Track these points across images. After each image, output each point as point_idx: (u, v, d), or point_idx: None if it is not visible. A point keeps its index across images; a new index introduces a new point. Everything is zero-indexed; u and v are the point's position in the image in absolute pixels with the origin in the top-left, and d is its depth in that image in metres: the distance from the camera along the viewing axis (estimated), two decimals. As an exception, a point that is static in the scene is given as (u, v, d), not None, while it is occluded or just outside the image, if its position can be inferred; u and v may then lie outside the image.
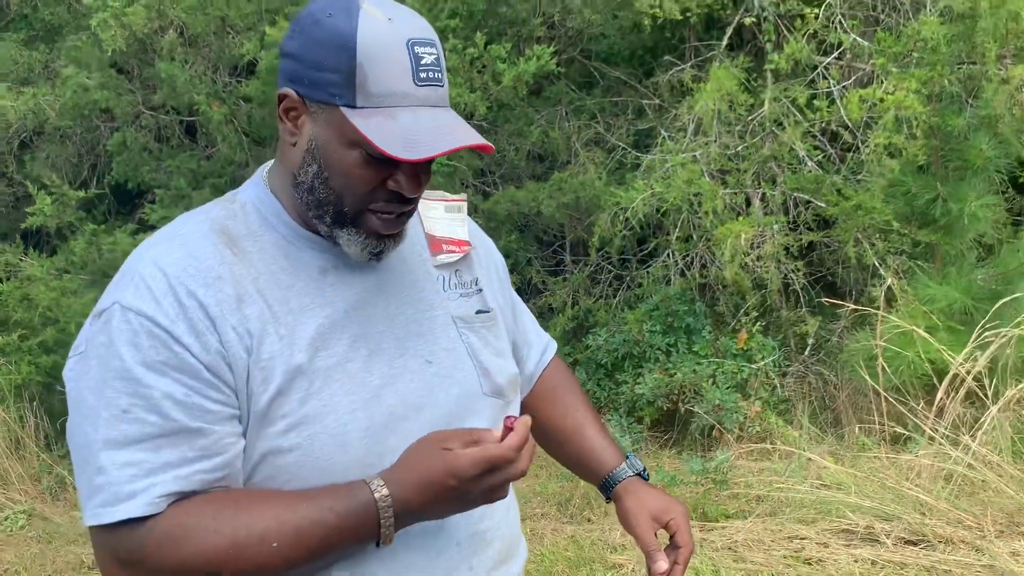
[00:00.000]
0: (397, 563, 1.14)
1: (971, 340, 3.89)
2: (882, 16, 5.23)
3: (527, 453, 1.10)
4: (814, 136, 5.13)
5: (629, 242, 5.41)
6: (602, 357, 5.20)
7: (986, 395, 3.82)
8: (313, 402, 1.10)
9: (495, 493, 1.10)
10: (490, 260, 1.38)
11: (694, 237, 5.16)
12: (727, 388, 4.74)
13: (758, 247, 4.91)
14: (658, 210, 5.01)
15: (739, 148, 5.10)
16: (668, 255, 5.34)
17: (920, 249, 4.77)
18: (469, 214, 1.36)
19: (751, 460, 4.48)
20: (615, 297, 5.66)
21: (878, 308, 4.27)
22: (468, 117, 4.87)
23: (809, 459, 4.14)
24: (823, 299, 5.02)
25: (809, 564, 3.44)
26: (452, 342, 1.23)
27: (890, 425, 4.13)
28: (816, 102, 4.91)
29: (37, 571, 4.12)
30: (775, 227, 4.94)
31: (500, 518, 1.26)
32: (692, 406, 4.77)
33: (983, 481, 3.65)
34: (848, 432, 4.60)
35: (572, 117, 5.85)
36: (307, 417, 1.09)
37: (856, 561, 3.38)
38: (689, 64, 5.47)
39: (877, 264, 4.74)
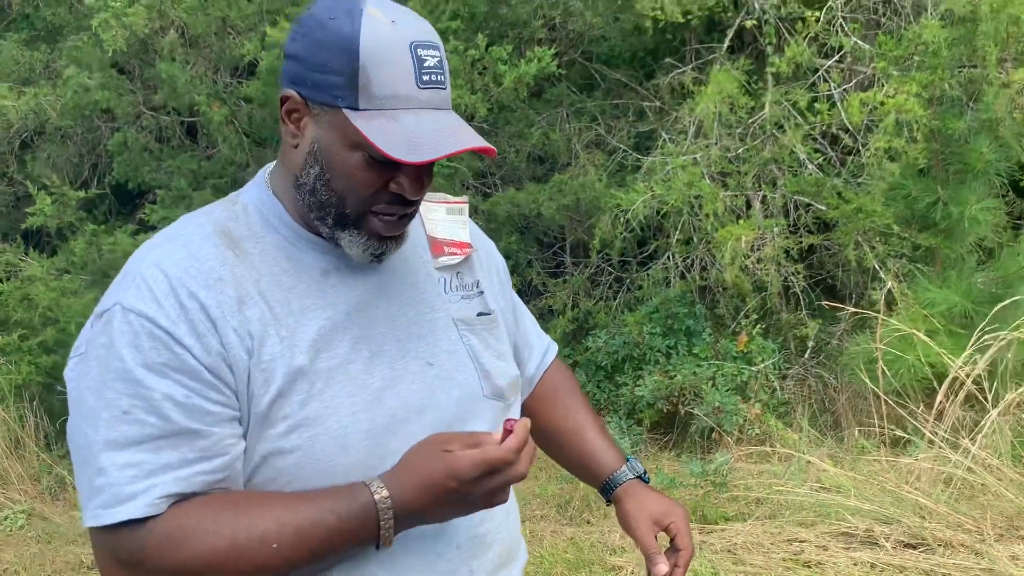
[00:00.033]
0: (397, 565, 1.14)
1: (970, 343, 3.89)
2: (883, 19, 5.23)
3: (527, 456, 1.10)
4: (815, 139, 5.13)
5: (629, 244, 5.41)
6: (602, 359, 5.20)
7: (986, 398, 3.81)
8: (314, 404, 1.10)
9: (495, 496, 1.10)
10: (491, 262, 1.38)
11: (694, 239, 5.16)
12: (727, 390, 4.74)
13: (758, 250, 4.91)
14: (658, 212, 5.01)
15: (740, 151, 5.11)
16: (668, 257, 5.34)
17: (920, 252, 4.77)
18: (469, 215, 1.36)
19: (750, 463, 4.48)
20: (615, 299, 5.67)
21: (878, 311, 4.27)
22: (469, 119, 4.87)
23: (809, 462, 4.14)
24: (823, 302, 5.02)
25: (808, 567, 3.44)
26: (453, 344, 1.23)
27: (890, 428, 4.13)
28: (817, 105, 4.91)
29: (36, 571, 4.12)
30: (775, 230, 4.94)
31: (500, 521, 1.26)
32: (692, 408, 4.77)
33: (983, 485, 3.65)
34: (848, 435, 4.60)
35: (573, 119, 5.85)
36: (308, 419, 1.09)
37: (855, 564, 3.38)
38: (690, 67, 5.47)
39: (877, 267, 4.74)
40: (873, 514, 3.62)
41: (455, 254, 1.29)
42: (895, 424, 4.15)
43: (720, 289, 5.21)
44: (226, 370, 1.07)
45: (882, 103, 4.51)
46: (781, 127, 5.06)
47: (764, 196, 5.11)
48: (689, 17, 4.95)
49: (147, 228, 5.56)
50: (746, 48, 5.54)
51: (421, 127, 1.06)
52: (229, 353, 1.07)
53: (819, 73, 5.13)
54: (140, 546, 1.04)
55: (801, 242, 5.04)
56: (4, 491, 4.99)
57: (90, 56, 5.51)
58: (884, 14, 5.24)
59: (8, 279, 5.59)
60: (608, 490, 1.42)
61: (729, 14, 5.23)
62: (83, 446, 1.07)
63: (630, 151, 5.62)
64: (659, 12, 4.86)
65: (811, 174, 5.01)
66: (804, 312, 5.12)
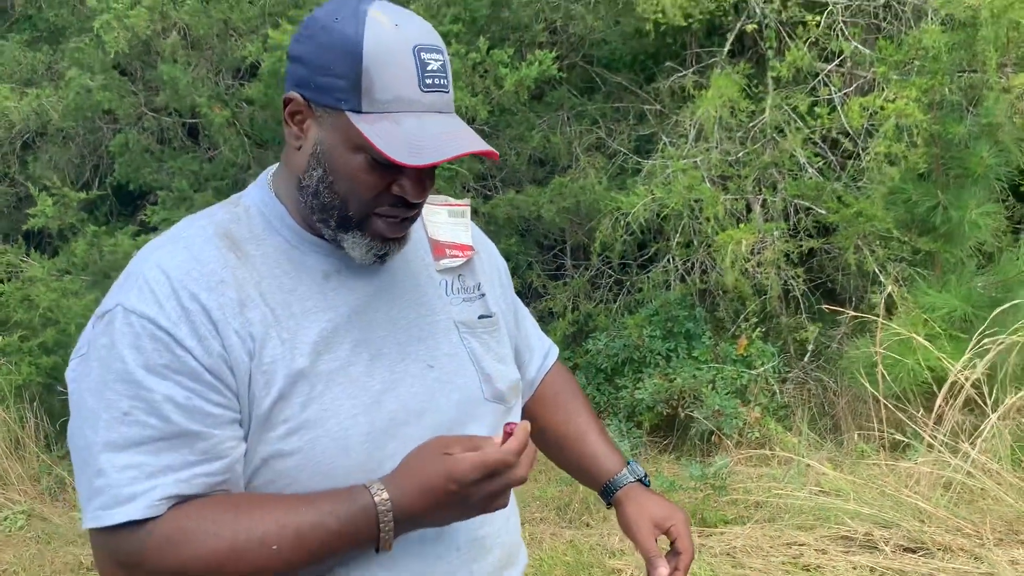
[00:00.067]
0: (397, 568, 1.14)
1: (970, 347, 3.89)
2: (883, 24, 5.24)
3: (527, 459, 1.10)
4: (815, 143, 5.14)
5: (629, 247, 5.41)
6: (602, 362, 5.20)
7: (986, 403, 3.81)
8: (314, 406, 1.10)
9: (495, 500, 1.10)
10: (493, 265, 1.38)
11: (695, 243, 5.16)
12: (726, 394, 4.74)
13: (758, 253, 4.91)
14: (659, 215, 5.01)
15: (740, 154, 5.11)
16: (668, 260, 5.34)
17: (920, 256, 4.77)
18: (470, 218, 1.36)
19: (750, 466, 4.48)
20: (615, 302, 5.67)
21: (878, 315, 4.27)
22: (470, 121, 4.88)
23: (808, 465, 4.14)
24: (823, 306, 5.02)
25: (807, 571, 3.44)
26: (454, 347, 1.23)
27: (889, 432, 4.12)
28: (817, 109, 4.92)
29: (36, 572, 4.12)
30: (775, 233, 4.94)
31: (500, 524, 1.26)
32: (691, 411, 4.77)
33: (982, 489, 3.65)
34: (847, 439, 4.60)
35: (573, 122, 5.86)
36: (308, 421, 1.09)
37: (855, 568, 3.38)
38: (691, 70, 5.47)
39: (877, 271, 4.74)
40: (872, 518, 3.62)
41: (457, 257, 1.29)
42: (895, 428, 4.15)
43: (720, 292, 5.21)
44: (227, 372, 1.07)
45: (882, 108, 4.52)
46: (781, 131, 5.07)
47: (764, 200, 5.11)
48: (690, 21, 4.96)
49: (148, 229, 5.56)
50: (747, 52, 5.54)
51: (423, 130, 1.06)
52: (230, 355, 1.07)
53: (819, 77, 5.14)
54: (139, 548, 1.04)
55: (801, 246, 5.05)
56: (4, 491, 4.98)
57: (92, 58, 5.51)
58: (884, 19, 5.24)
59: (9, 280, 5.59)
60: (609, 493, 1.42)
61: (730, 18, 5.23)
62: (83, 447, 1.07)
63: (630, 154, 5.62)
64: (660, 16, 4.87)
65: (811, 178, 5.02)
66: (804, 316, 5.12)
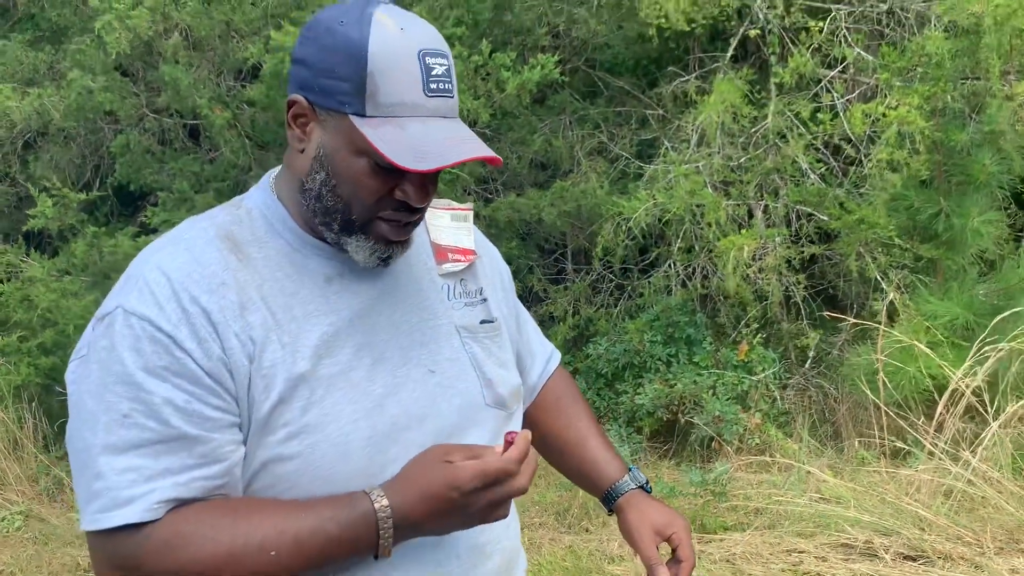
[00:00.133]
0: (396, 575, 1.13)
1: (971, 355, 3.88)
2: (887, 30, 5.24)
3: (528, 468, 1.09)
4: (817, 149, 5.14)
5: (631, 252, 5.41)
6: (602, 367, 5.19)
7: (987, 411, 3.81)
8: (315, 411, 1.09)
9: (496, 510, 1.09)
10: (495, 269, 1.38)
11: (696, 248, 5.16)
12: (727, 400, 4.73)
13: (760, 259, 4.91)
14: (660, 220, 5.01)
15: (742, 160, 5.11)
16: (670, 265, 5.33)
17: (922, 264, 4.76)
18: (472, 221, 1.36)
19: (750, 472, 4.47)
20: (616, 306, 5.66)
21: (879, 322, 4.26)
22: (471, 124, 4.88)
23: (808, 472, 4.13)
24: (824, 312, 5.02)
25: (807, 578, 3.43)
26: (455, 352, 1.22)
27: (890, 439, 4.12)
28: (819, 115, 4.92)
29: (33, 573, 4.11)
30: (777, 239, 4.94)
31: (500, 531, 1.25)
32: (692, 417, 4.76)
33: (983, 497, 3.64)
34: (848, 446, 4.59)
35: (575, 126, 5.86)
36: (308, 426, 1.09)
37: (855, 576, 3.37)
38: (693, 75, 5.47)
39: (879, 278, 4.74)
40: (873, 526, 3.61)
41: (459, 261, 1.29)
42: (895, 435, 4.14)
43: (721, 298, 5.21)
44: (227, 375, 1.06)
45: (884, 114, 4.52)
46: (784, 137, 5.07)
47: (766, 205, 5.11)
48: (693, 26, 4.96)
49: (148, 230, 5.56)
50: (749, 58, 5.54)
51: (427, 135, 1.06)
52: (230, 358, 1.07)
53: (822, 83, 5.14)
54: (137, 551, 1.03)
55: (803, 252, 5.04)
56: (2, 492, 4.98)
57: (93, 58, 5.51)
58: (888, 25, 5.24)
59: (9, 280, 5.59)
60: (610, 500, 1.41)
61: (733, 23, 5.24)
62: (82, 449, 1.06)
63: (632, 159, 5.62)
64: (663, 20, 4.87)
65: (813, 184, 5.01)
66: (805, 322, 5.12)
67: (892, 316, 4.49)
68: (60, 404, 5.21)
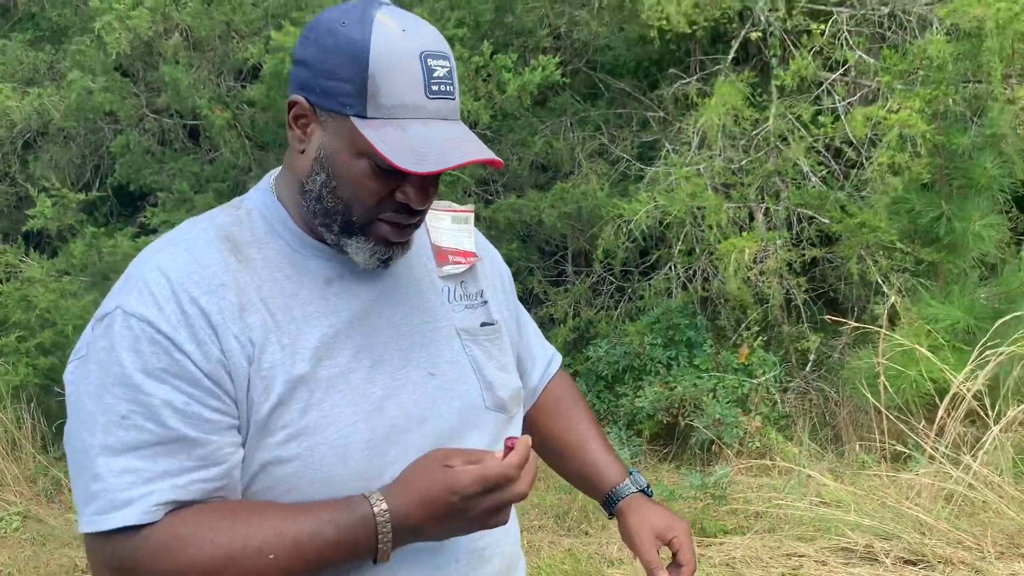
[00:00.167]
0: (395, 579, 1.13)
1: (972, 359, 3.88)
2: (888, 33, 5.23)
3: (528, 474, 1.09)
4: (818, 152, 5.13)
5: (631, 254, 5.40)
6: (602, 369, 5.19)
7: (987, 415, 3.80)
8: (314, 413, 1.09)
9: (495, 515, 1.09)
10: (496, 272, 1.37)
11: (697, 250, 5.15)
12: (727, 403, 4.72)
13: (761, 262, 4.90)
14: (661, 223, 5.00)
15: (743, 162, 5.10)
16: (670, 268, 5.33)
17: (923, 267, 4.76)
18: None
19: (750, 476, 4.46)
20: (616, 309, 5.65)
21: (880, 326, 4.26)
22: (472, 126, 4.87)
23: (809, 476, 4.13)
24: (825, 315, 5.01)
25: (807, 582, 3.43)
26: (456, 354, 1.22)
27: (890, 443, 4.11)
28: (821, 118, 4.91)
29: (31, 574, 4.10)
30: (778, 242, 4.93)
31: (500, 535, 1.25)
32: (692, 420, 4.75)
33: (984, 502, 3.63)
34: (848, 449, 4.59)
35: (576, 128, 5.85)
36: (307, 428, 1.08)
37: (855, 580, 3.36)
38: (694, 78, 5.47)
39: (880, 281, 4.73)
40: (873, 530, 3.61)
41: (460, 263, 1.28)
42: (896, 439, 4.13)
43: (722, 301, 5.20)
44: (226, 377, 1.06)
45: (886, 117, 4.51)
46: (785, 139, 5.06)
47: (767, 208, 5.10)
48: (694, 28, 4.95)
49: (148, 231, 5.55)
50: (751, 60, 5.54)
51: (428, 137, 1.05)
52: (229, 360, 1.06)
53: (823, 86, 5.13)
54: (135, 554, 1.03)
55: (804, 255, 5.04)
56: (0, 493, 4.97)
57: (93, 59, 5.50)
58: (889, 28, 5.24)
59: (8, 280, 5.58)
60: (610, 503, 1.41)
61: (734, 26, 5.23)
62: (80, 450, 1.06)
63: (633, 161, 5.62)
64: (664, 23, 4.86)
65: (814, 187, 5.01)
66: (806, 325, 5.11)
67: (893, 320, 4.48)
68: (59, 405, 5.20)
